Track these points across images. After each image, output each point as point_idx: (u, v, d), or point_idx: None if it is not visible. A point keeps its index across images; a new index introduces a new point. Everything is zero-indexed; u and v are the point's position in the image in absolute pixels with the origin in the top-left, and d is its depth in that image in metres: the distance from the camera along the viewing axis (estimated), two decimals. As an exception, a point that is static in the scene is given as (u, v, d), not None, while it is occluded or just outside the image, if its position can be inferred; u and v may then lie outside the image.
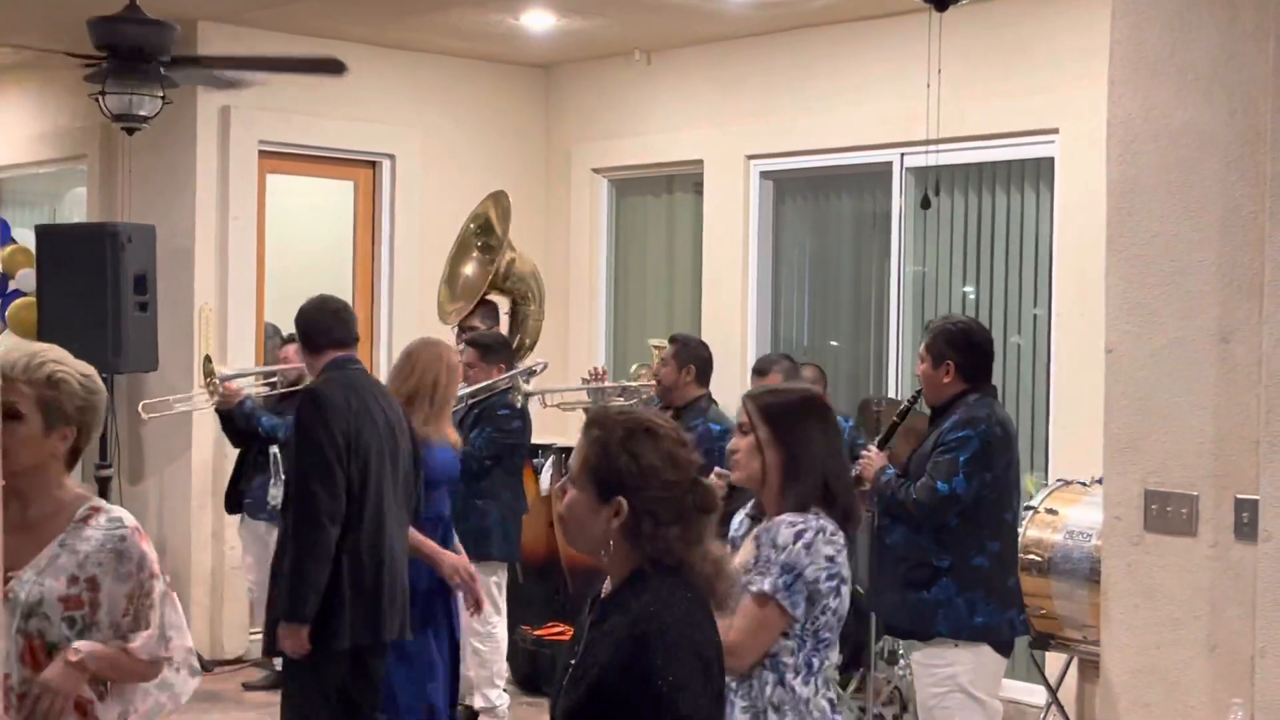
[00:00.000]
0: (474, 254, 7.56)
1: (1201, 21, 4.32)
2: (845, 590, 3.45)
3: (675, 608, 2.62)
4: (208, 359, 7.65)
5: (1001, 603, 5.10)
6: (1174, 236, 4.36)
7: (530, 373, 7.33)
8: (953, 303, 7.78)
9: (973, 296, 7.67)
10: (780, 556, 3.37)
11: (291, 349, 7.71)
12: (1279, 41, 4.12)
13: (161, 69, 5.16)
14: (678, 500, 2.71)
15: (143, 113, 5.50)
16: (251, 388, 7.71)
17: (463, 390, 6.54)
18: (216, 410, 7.62)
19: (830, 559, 3.38)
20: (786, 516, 3.42)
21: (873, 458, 5.24)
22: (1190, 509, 4.33)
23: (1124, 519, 4.49)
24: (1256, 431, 4.15)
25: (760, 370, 6.11)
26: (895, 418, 5.44)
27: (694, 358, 6.54)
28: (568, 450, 8.09)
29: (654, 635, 2.57)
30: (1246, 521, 4.20)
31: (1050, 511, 6.11)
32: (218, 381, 7.38)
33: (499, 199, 7.51)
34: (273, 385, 7.71)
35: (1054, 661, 6.59)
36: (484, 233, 7.56)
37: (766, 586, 3.35)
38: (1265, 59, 4.16)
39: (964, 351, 5.14)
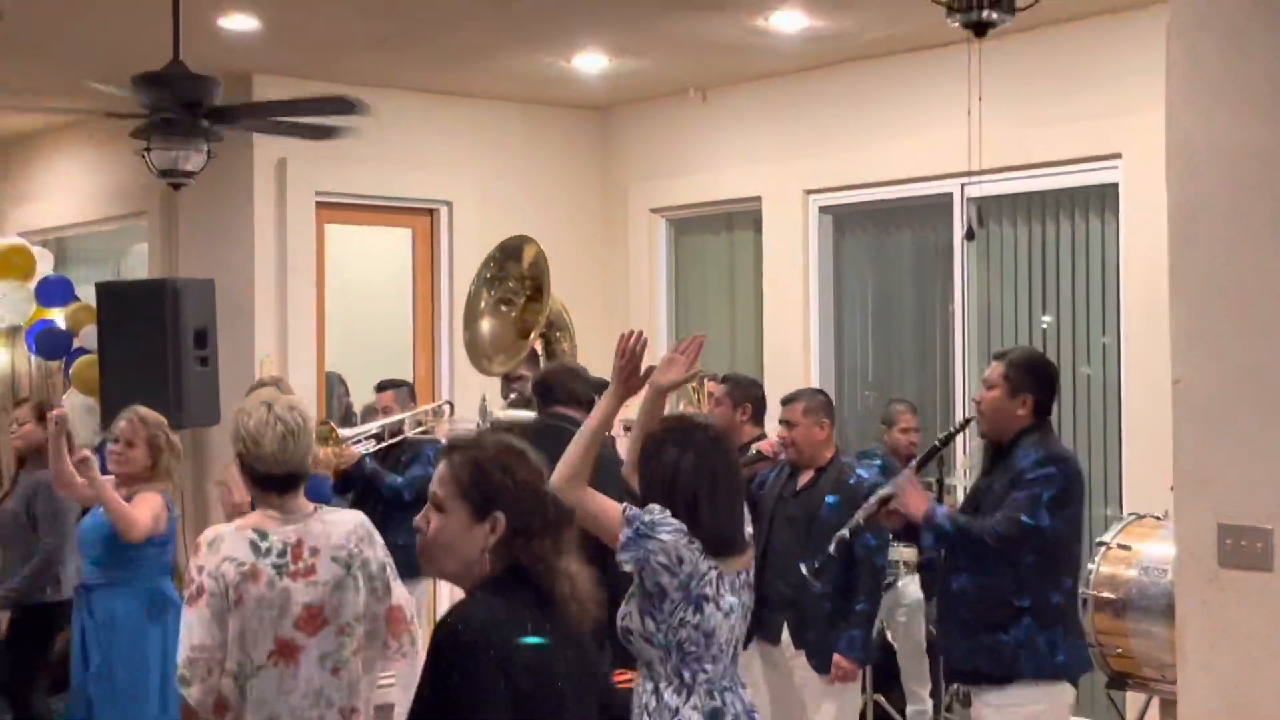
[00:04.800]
0: (485, 302, 7.44)
1: (1259, 40, 4.19)
2: (711, 611, 3.69)
3: (475, 613, 2.74)
4: (327, 424, 7.45)
5: (1079, 638, 5.01)
6: (1239, 262, 4.22)
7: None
8: (1019, 333, 7.64)
9: (1046, 326, 7.52)
10: (651, 514, 3.69)
11: (388, 396, 7.64)
12: (1342, 57, 3.99)
13: (205, 122, 5.15)
14: (547, 513, 2.85)
15: (189, 168, 5.50)
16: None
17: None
18: (335, 473, 7.42)
19: (680, 559, 3.66)
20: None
21: (911, 490, 5.00)
22: (1265, 543, 4.17)
23: (1197, 555, 4.34)
24: (1332, 462, 4.00)
25: (784, 401, 5.99)
26: (937, 442, 5.27)
27: (748, 396, 6.40)
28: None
29: (446, 642, 2.70)
30: (1325, 555, 4.04)
31: (1123, 547, 5.94)
32: (342, 447, 7.25)
33: (531, 244, 7.36)
34: (379, 438, 7.57)
35: (1132, 701, 6.41)
36: (502, 268, 7.41)
37: (630, 511, 3.68)
38: (1328, 76, 4.03)
39: (1044, 386, 4.99)
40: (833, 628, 5.65)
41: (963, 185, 7.59)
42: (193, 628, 3.69)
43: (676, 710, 3.71)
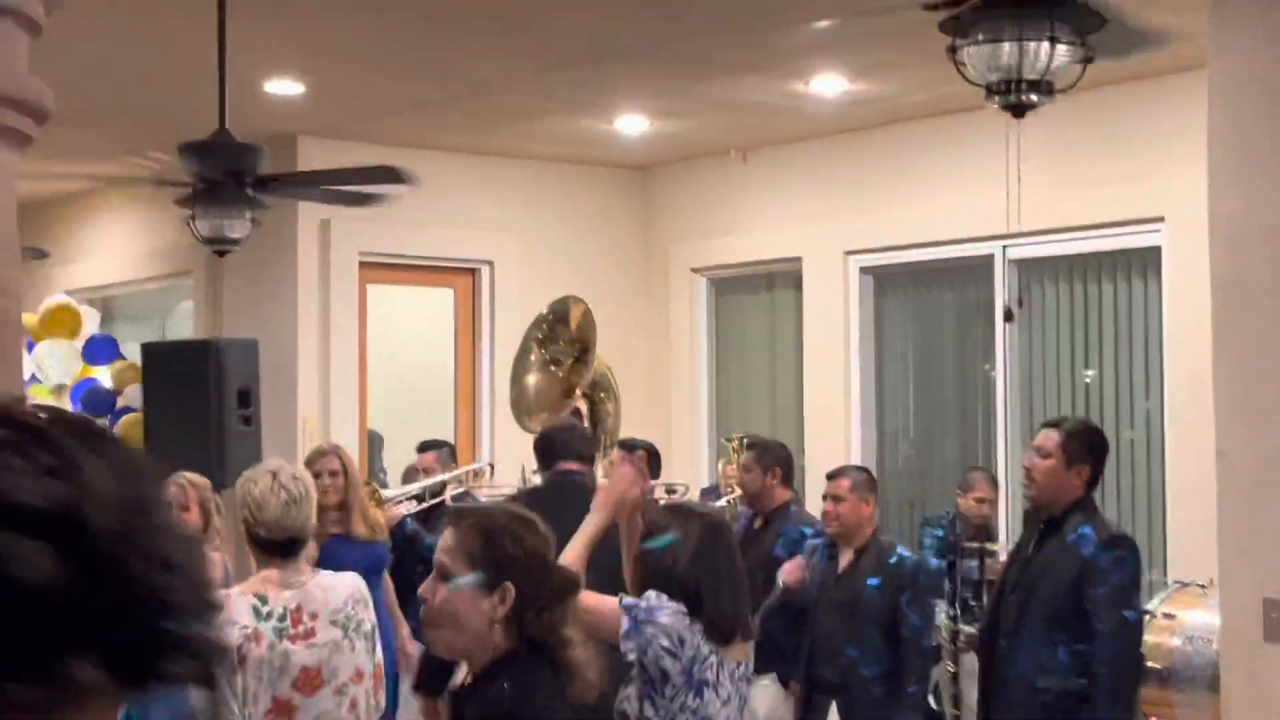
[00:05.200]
0: (534, 358, 7.47)
1: (1303, 112, 4.19)
2: (710, 697, 3.67)
3: (534, 690, 2.72)
4: (370, 485, 7.45)
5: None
6: (1284, 334, 4.20)
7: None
8: (1060, 394, 7.60)
9: (1090, 380, 7.48)
10: (651, 601, 3.68)
11: (430, 457, 7.64)
12: (1386, 131, 3.98)
13: (250, 191, 5.20)
14: (555, 583, 2.83)
15: (234, 235, 5.55)
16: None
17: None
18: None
19: (669, 650, 3.65)
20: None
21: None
22: (1313, 619, 4.14)
23: (1242, 628, 4.30)
24: (1380, 537, 3.97)
25: (831, 476, 5.92)
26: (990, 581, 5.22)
27: (777, 460, 6.37)
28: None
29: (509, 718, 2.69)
30: (1373, 632, 4.00)
31: (1167, 616, 5.89)
32: (384, 507, 7.27)
33: (578, 304, 7.41)
34: (419, 499, 7.56)
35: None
36: (552, 331, 7.46)
37: (628, 601, 3.69)
38: (1372, 149, 4.02)
39: (1099, 459, 4.90)
40: (883, 710, 5.60)
41: (1004, 247, 7.58)
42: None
43: None
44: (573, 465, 5.61)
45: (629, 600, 3.73)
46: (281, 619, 3.91)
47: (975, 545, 6.16)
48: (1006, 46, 3.97)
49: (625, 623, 3.69)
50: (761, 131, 8.39)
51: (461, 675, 2.87)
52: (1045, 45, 3.97)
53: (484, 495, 7.52)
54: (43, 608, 0.85)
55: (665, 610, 3.71)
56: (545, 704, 2.72)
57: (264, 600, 3.92)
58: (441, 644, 2.92)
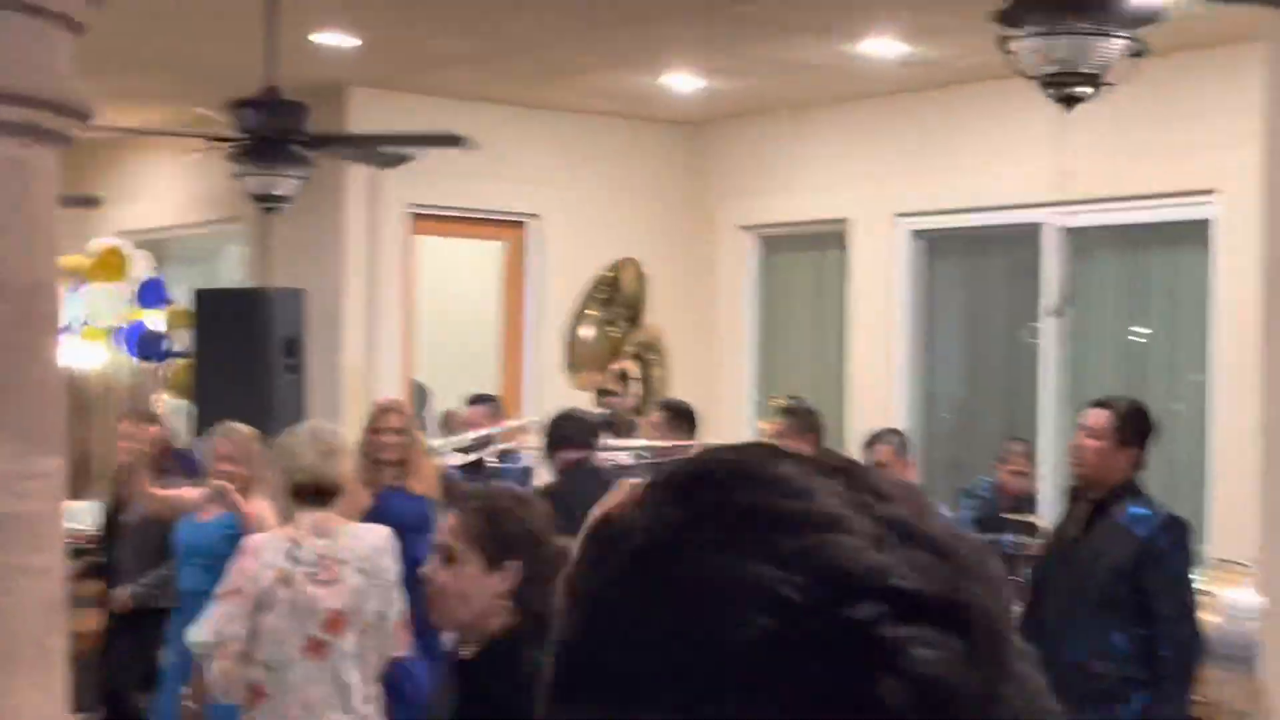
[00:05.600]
0: (590, 312, 7.52)
1: (1362, 91, 4.13)
2: None
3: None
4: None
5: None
6: (1334, 316, 4.16)
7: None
8: (1107, 364, 7.56)
9: (1137, 351, 7.42)
10: None
11: (479, 411, 7.66)
12: None
13: (298, 148, 5.22)
14: (558, 559, 2.86)
15: (282, 192, 5.57)
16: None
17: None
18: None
19: None
20: None
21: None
22: (1353, 604, 4.11)
23: (1282, 612, 4.28)
24: None
25: (870, 443, 5.91)
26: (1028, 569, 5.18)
27: (811, 425, 6.39)
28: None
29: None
30: None
31: (1206, 593, 5.86)
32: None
33: (631, 265, 7.46)
34: (465, 452, 7.60)
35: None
36: (609, 295, 7.51)
37: None
38: None
39: (1147, 440, 4.80)
40: None
41: (1054, 215, 7.51)
42: (225, 618, 4.25)
43: None
44: (576, 453, 5.83)
45: None
46: (313, 564, 4.27)
47: (1016, 517, 6.13)
48: (1060, 40, 3.93)
49: None
50: (814, 91, 8.34)
51: (463, 649, 2.96)
52: (1098, 39, 3.93)
53: (530, 453, 7.56)
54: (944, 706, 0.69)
55: None
56: None
57: (298, 546, 4.28)
58: (448, 620, 3.01)
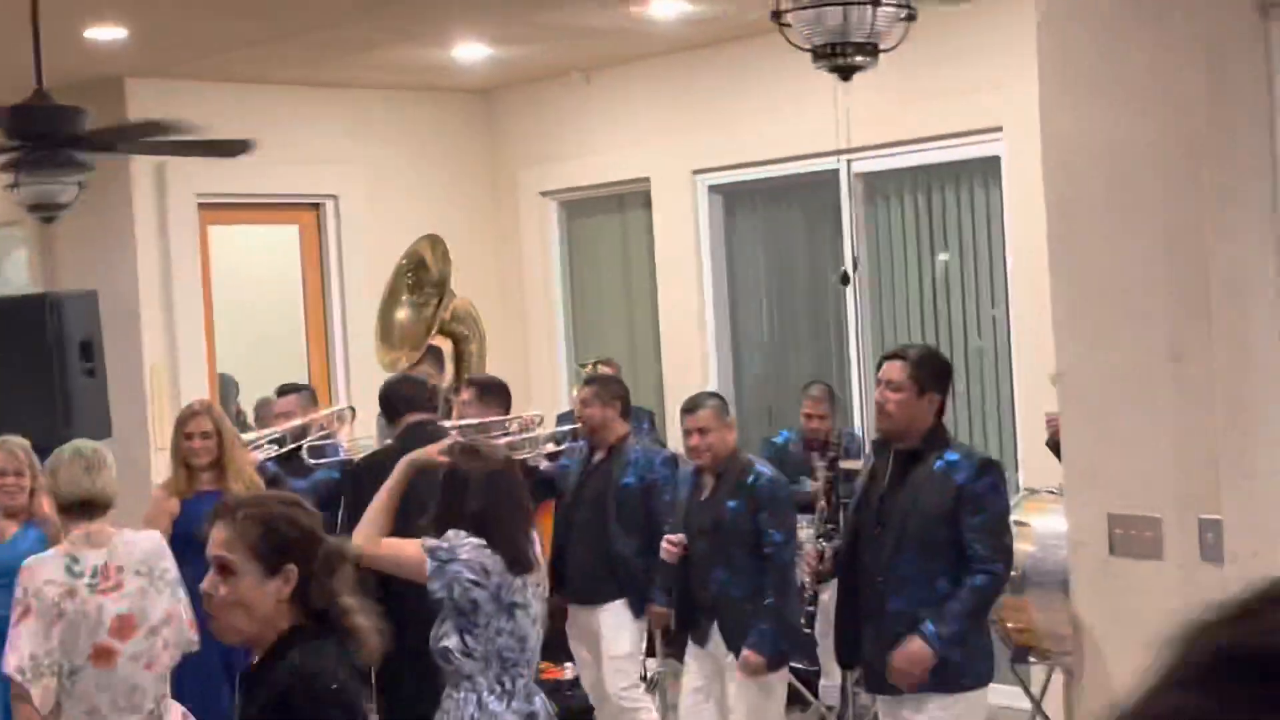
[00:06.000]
0: (405, 298, 7.44)
1: (1130, 34, 4.23)
2: (521, 617, 4.06)
3: (323, 657, 2.88)
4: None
5: (989, 640, 5.01)
6: (1117, 255, 4.27)
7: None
8: (910, 304, 7.69)
9: (945, 260, 7.56)
10: (446, 540, 4.03)
11: (290, 401, 7.46)
12: (1210, 52, 4.03)
13: (75, 153, 5.02)
14: (330, 554, 2.96)
15: (60, 201, 5.35)
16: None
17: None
18: None
19: (483, 568, 4.01)
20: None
21: (916, 651, 4.70)
22: (1155, 531, 4.25)
23: (1089, 544, 4.42)
24: (1215, 451, 4.07)
25: (689, 409, 5.92)
26: (826, 499, 5.24)
27: (616, 394, 6.43)
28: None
29: (299, 689, 2.83)
30: (1211, 542, 4.11)
31: (1019, 523, 6.01)
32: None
33: (435, 243, 7.38)
34: (280, 443, 7.42)
35: (1036, 673, 6.50)
36: (416, 277, 7.43)
37: (429, 544, 4.02)
38: (1198, 69, 4.07)
39: (946, 384, 4.87)
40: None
41: (847, 161, 7.60)
42: (28, 638, 4.41)
43: (498, 715, 4.04)
44: (421, 415, 5.75)
45: (431, 542, 4.05)
46: (93, 575, 4.51)
47: (851, 466, 6.23)
48: (831, 10, 3.96)
49: (430, 564, 4.02)
50: (602, 53, 8.30)
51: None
52: (869, 8, 3.96)
53: (346, 440, 7.45)
54: None
55: (465, 546, 4.05)
56: (334, 669, 2.88)
57: (75, 560, 4.51)
58: (231, 633, 3.00)
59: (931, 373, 4.84)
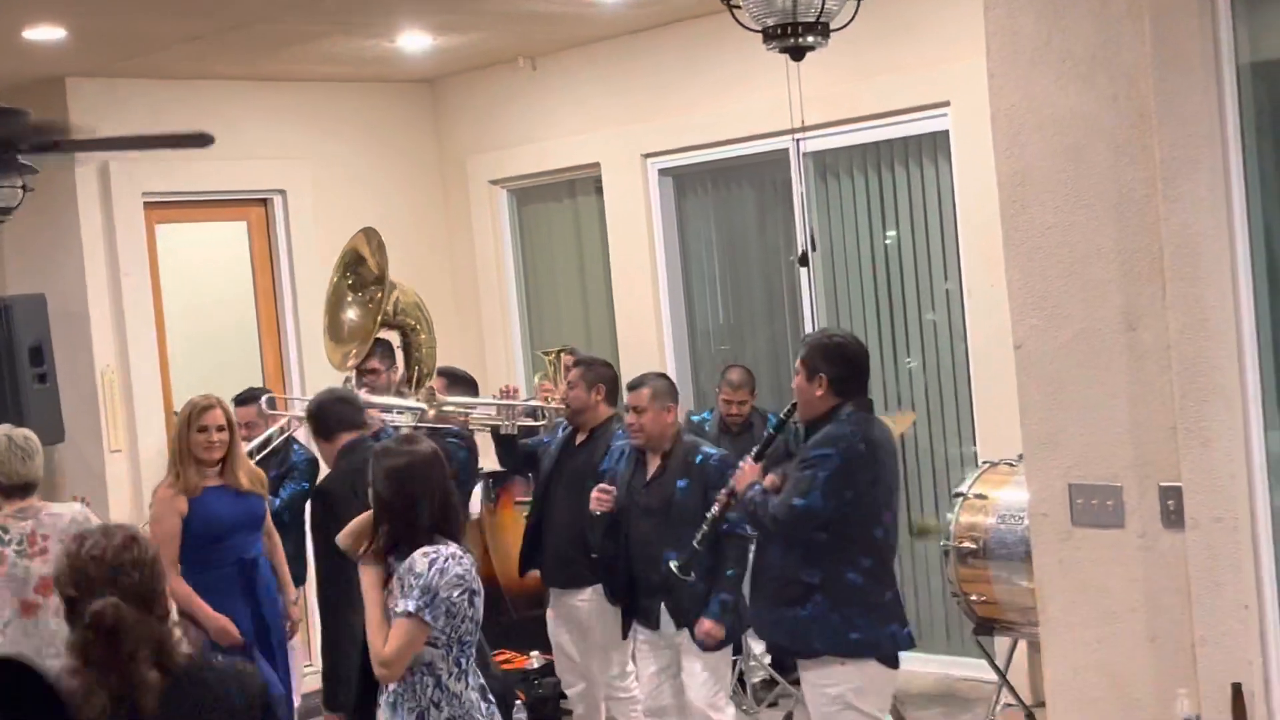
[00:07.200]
0: (350, 298, 7.38)
1: (1075, 6, 4.23)
2: (478, 600, 4.17)
3: None
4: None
5: (879, 618, 5.01)
6: (1070, 226, 4.28)
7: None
8: (864, 279, 7.70)
9: (891, 241, 7.58)
10: (419, 581, 4.06)
11: (250, 411, 7.33)
12: (1155, 20, 4.04)
13: (19, 157, 4.94)
14: (143, 587, 3.07)
15: (4, 205, 5.30)
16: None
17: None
18: None
19: (460, 577, 4.10)
20: (420, 549, 4.11)
21: (745, 471, 5.17)
22: (1115, 500, 4.26)
23: (1050, 515, 4.42)
24: (1173, 418, 4.09)
25: (631, 387, 5.98)
26: (772, 429, 5.30)
27: (601, 377, 6.42)
28: (494, 474, 7.99)
29: None
30: (1173, 509, 4.13)
31: (979, 496, 6.05)
32: None
33: (370, 236, 7.32)
34: (250, 455, 7.26)
35: (1000, 645, 6.54)
36: (355, 273, 7.37)
37: (411, 606, 4.05)
38: (1143, 39, 4.08)
39: (838, 365, 5.03)
40: (707, 603, 5.70)
41: (797, 141, 7.59)
42: None
43: (460, 694, 4.15)
44: (353, 435, 5.74)
45: (413, 606, 4.07)
46: (20, 543, 5.42)
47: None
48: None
49: (429, 618, 4.08)
50: (548, 39, 8.26)
51: None
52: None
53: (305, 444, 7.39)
54: None
55: (437, 576, 4.08)
56: None
57: (5, 530, 5.47)
58: None
59: (820, 356, 5.06)
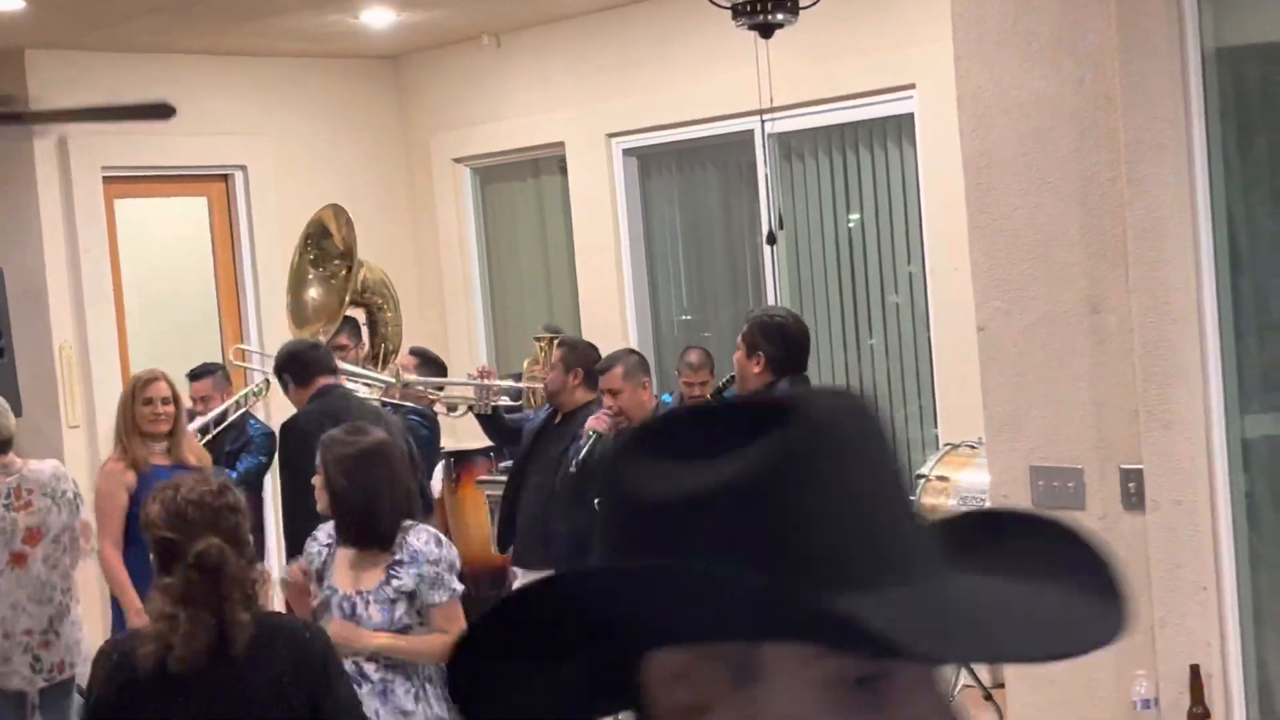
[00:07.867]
0: (312, 274, 7.34)
1: (1041, -12, 4.23)
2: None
3: None
4: None
5: None
6: (1034, 209, 4.29)
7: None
8: (827, 261, 7.70)
9: (854, 224, 7.58)
10: (443, 563, 4.11)
11: (205, 385, 7.27)
12: (1121, 4, 4.05)
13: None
14: None
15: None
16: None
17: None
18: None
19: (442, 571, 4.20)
20: (413, 529, 4.14)
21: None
22: (1076, 482, 4.29)
23: (1012, 497, 4.44)
24: (1134, 401, 4.11)
25: (601, 370, 5.94)
26: (709, 398, 5.36)
27: (582, 360, 6.37)
28: (455, 454, 7.97)
29: None
30: (1134, 491, 4.15)
31: (941, 478, 6.07)
32: None
33: (338, 212, 7.29)
34: (204, 431, 7.13)
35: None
36: (318, 247, 7.33)
37: (458, 586, 4.13)
38: (1108, 22, 4.08)
39: (776, 344, 5.14)
40: None
41: (763, 121, 7.58)
42: None
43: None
44: (329, 380, 5.83)
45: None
46: (7, 497, 5.61)
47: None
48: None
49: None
50: (513, 16, 8.22)
51: None
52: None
53: (260, 418, 7.35)
54: None
55: (422, 554, 4.14)
56: None
57: None
58: None
59: (760, 334, 5.24)
